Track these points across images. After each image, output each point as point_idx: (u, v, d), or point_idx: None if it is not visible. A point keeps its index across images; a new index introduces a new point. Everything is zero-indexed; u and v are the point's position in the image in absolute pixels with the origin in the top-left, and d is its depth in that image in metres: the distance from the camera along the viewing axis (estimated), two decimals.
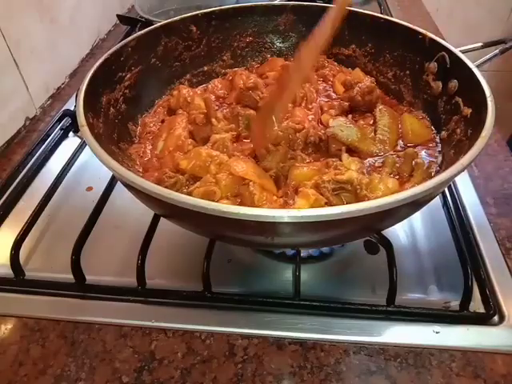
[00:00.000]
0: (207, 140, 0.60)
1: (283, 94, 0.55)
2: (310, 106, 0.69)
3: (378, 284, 0.56)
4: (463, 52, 0.59)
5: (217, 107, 0.69)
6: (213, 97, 0.72)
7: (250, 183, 0.50)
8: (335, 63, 0.77)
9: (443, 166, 0.57)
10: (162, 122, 0.68)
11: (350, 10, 0.74)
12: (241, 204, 0.50)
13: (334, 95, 0.71)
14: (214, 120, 0.62)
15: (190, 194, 0.51)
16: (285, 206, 0.51)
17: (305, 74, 0.58)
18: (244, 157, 0.56)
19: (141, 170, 0.60)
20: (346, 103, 0.67)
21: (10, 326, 0.53)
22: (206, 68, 0.78)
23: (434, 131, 0.63)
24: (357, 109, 0.66)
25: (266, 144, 0.56)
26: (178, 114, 0.67)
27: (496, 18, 1.92)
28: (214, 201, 0.49)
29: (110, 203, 0.64)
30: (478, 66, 0.55)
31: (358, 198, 0.50)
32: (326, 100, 0.70)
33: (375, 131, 0.61)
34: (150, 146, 0.64)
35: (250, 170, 0.52)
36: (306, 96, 0.69)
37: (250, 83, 0.67)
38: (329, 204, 0.50)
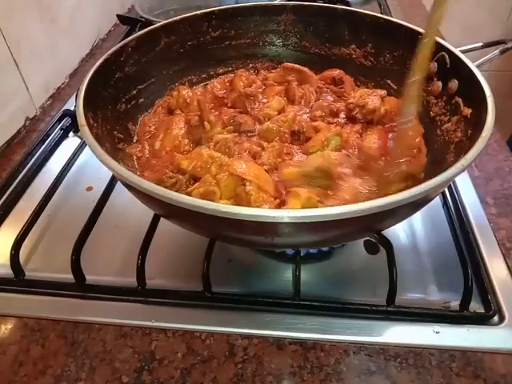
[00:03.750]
0: (199, 141, 0.61)
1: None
2: (310, 105, 0.69)
3: (378, 284, 0.56)
4: (463, 52, 0.59)
5: (213, 109, 0.70)
6: (210, 96, 0.73)
7: (247, 183, 0.51)
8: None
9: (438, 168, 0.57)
10: (162, 122, 0.68)
11: (349, 10, 0.74)
12: (236, 204, 0.50)
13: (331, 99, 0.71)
14: (205, 123, 0.62)
15: (189, 194, 0.51)
16: (281, 207, 0.51)
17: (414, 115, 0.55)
18: (245, 157, 0.56)
19: (140, 170, 0.60)
20: (337, 105, 0.67)
21: (10, 326, 0.53)
22: (205, 68, 0.78)
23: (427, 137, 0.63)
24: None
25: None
26: (175, 115, 0.67)
27: (496, 18, 1.92)
28: (213, 201, 0.49)
29: (110, 203, 0.64)
30: (477, 66, 0.55)
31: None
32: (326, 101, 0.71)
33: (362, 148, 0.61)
34: (148, 146, 0.64)
35: (251, 170, 0.52)
36: (306, 95, 0.69)
37: (249, 90, 0.67)
38: (321, 201, 0.50)
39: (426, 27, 0.54)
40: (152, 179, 0.56)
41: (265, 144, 0.59)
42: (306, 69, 0.74)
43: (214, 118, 0.64)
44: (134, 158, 0.61)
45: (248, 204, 0.50)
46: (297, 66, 0.75)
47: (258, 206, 0.50)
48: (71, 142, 0.82)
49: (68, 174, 0.74)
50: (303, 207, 0.49)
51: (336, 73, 0.74)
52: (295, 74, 0.74)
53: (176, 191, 0.51)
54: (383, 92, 0.67)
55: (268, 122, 0.62)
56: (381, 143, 0.61)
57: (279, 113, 0.67)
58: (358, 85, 0.75)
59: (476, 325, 0.52)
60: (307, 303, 0.53)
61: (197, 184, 0.52)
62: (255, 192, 0.50)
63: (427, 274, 0.59)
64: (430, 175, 0.57)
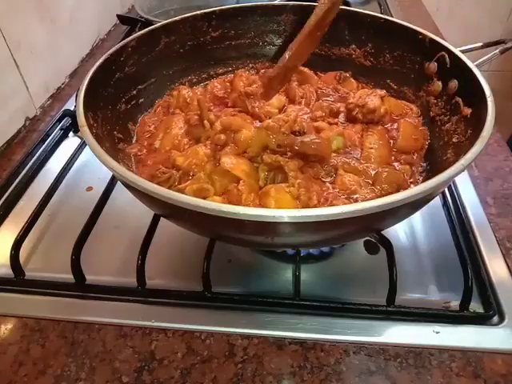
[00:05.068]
0: (198, 140, 0.61)
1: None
2: (310, 105, 0.69)
3: (378, 284, 0.56)
4: (463, 52, 0.59)
5: (213, 108, 0.70)
6: (210, 96, 0.73)
7: (241, 182, 0.51)
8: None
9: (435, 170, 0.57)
10: (162, 122, 0.68)
11: (349, 10, 0.74)
12: (227, 201, 0.51)
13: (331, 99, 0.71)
14: (205, 122, 0.62)
15: (181, 190, 0.51)
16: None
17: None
18: (238, 154, 0.56)
19: (135, 167, 0.60)
20: (337, 105, 0.67)
21: (10, 326, 0.53)
22: (206, 68, 0.78)
23: (428, 140, 0.63)
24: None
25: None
26: (174, 114, 0.67)
27: (496, 18, 1.92)
28: (206, 198, 0.49)
29: (109, 203, 0.64)
30: (477, 66, 0.55)
31: None
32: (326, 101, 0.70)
33: (361, 149, 0.61)
34: (148, 145, 0.64)
35: (240, 166, 0.52)
36: (306, 95, 0.69)
37: (249, 90, 0.67)
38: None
39: None
40: (145, 175, 0.56)
41: None
42: (306, 69, 0.74)
43: (214, 118, 0.64)
44: (133, 157, 0.61)
45: (238, 201, 0.50)
46: None
47: (246, 205, 0.50)
48: (71, 142, 0.82)
49: (68, 174, 0.74)
50: (275, 204, 0.49)
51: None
52: (295, 74, 0.74)
53: (169, 187, 0.52)
54: (383, 92, 0.67)
55: (269, 120, 0.62)
56: (382, 143, 0.61)
57: (280, 111, 0.67)
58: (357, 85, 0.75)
59: (476, 325, 0.52)
60: (307, 303, 0.53)
61: (190, 181, 0.52)
62: (247, 191, 0.51)
63: (427, 274, 0.59)
64: (429, 175, 0.58)
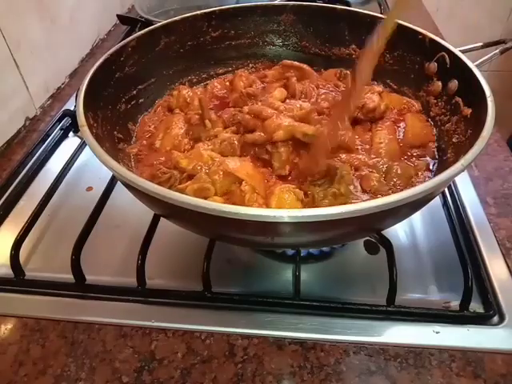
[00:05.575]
0: (199, 139, 0.61)
1: (342, 114, 0.53)
2: (310, 100, 0.69)
3: (378, 284, 0.56)
4: (463, 52, 0.59)
5: (213, 108, 0.69)
6: (210, 96, 0.72)
7: (243, 182, 0.51)
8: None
9: (440, 167, 0.57)
10: (162, 121, 0.68)
11: (349, 10, 0.74)
12: (229, 201, 0.51)
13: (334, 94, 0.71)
14: (206, 121, 0.62)
15: (181, 190, 0.51)
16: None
17: (363, 88, 0.57)
18: (242, 157, 0.56)
19: (135, 167, 0.60)
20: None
21: (10, 326, 0.53)
22: (205, 68, 0.78)
23: (435, 133, 0.62)
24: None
25: (315, 172, 0.53)
26: (174, 114, 0.67)
27: (496, 18, 1.92)
28: (207, 198, 0.49)
29: (110, 203, 0.64)
30: (477, 66, 0.55)
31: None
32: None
33: (371, 144, 0.61)
34: (147, 146, 0.64)
35: (244, 168, 0.52)
36: (306, 91, 0.69)
37: (250, 90, 0.67)
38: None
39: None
40: (145, 175, 0.56)
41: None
42: (305, 66, 0.74)
43: (215, 117, 0.64)
44: (132, 156, 0.61)
45: (241, 202, 0.50)
46: (296, 63, 0.74)
47: (250, 206, 0.50)
48: (71, 142, 0.82)
49: (68, 174, 0.74)
50: (278, 204, 0.49)
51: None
52: (294, 71, 0.74)
53: (169, 187, 0.52)
54: (380, 88, 0.67)
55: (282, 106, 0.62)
56: (392, 138, 0.61)
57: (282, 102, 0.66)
58: None
59: (476, 325, 0.52)
60: (307, 303, 0.53)
61: (190, 181, 0.52)
62: (250, 192, 0.51)
63: (427, 273, 0.59)
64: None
